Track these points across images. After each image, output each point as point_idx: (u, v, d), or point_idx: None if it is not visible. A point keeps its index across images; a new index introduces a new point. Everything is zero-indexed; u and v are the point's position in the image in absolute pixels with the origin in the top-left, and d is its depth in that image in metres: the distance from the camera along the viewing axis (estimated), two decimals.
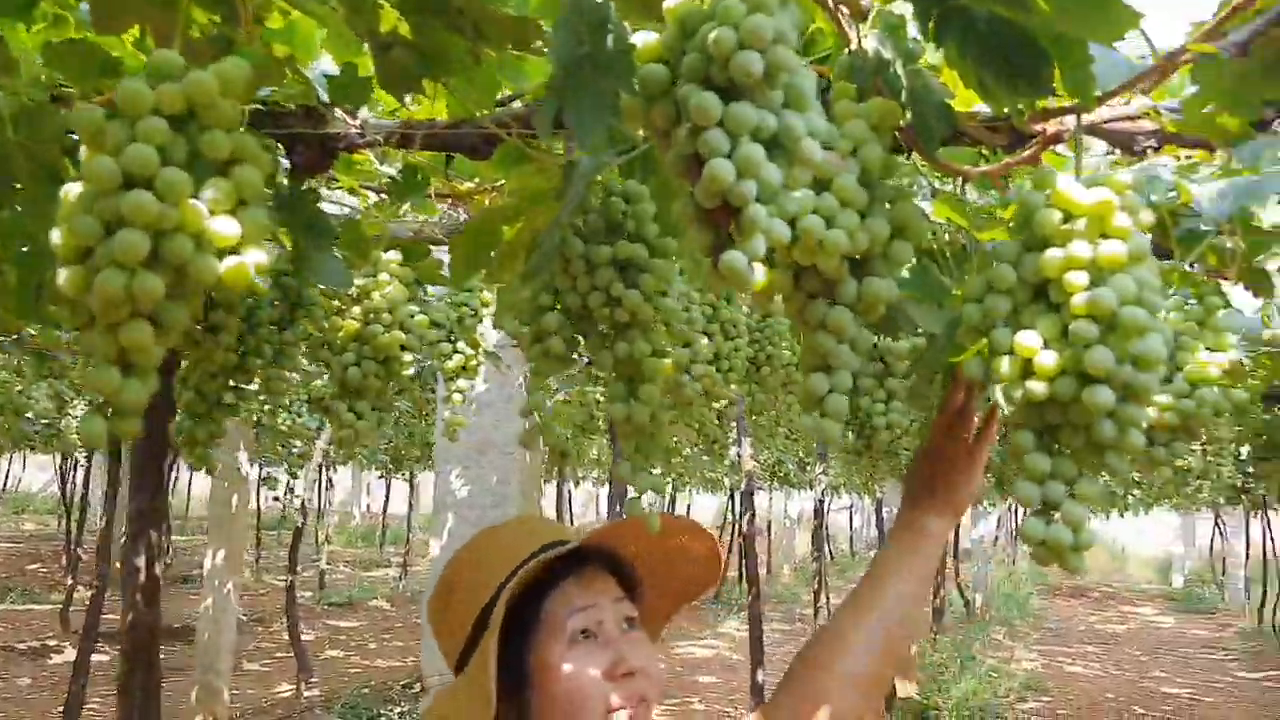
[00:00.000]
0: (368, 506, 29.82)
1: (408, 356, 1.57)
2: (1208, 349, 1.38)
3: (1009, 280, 0.90)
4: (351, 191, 1.71)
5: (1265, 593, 13.50)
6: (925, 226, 0.96)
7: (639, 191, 1.09)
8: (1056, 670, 11.58)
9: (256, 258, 0.74)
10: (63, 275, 0.69)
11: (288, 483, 11.58)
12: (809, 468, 10.98)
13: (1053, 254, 0.86)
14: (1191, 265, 1.64)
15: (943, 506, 1.28)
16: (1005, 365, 0.88)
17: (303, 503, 7.69)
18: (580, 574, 1.22)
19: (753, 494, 5.53)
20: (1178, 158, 1.56)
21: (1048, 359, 0.86)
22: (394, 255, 1.59)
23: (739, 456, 5.40)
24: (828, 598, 9.66)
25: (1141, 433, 0.86)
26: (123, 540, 2.11)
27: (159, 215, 0.69)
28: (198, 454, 1.63)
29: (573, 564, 1.22)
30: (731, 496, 15.49)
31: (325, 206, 1.45)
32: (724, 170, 0.70)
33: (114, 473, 5.55)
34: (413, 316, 1.55)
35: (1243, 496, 10.96)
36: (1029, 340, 0.87)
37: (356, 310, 1.57)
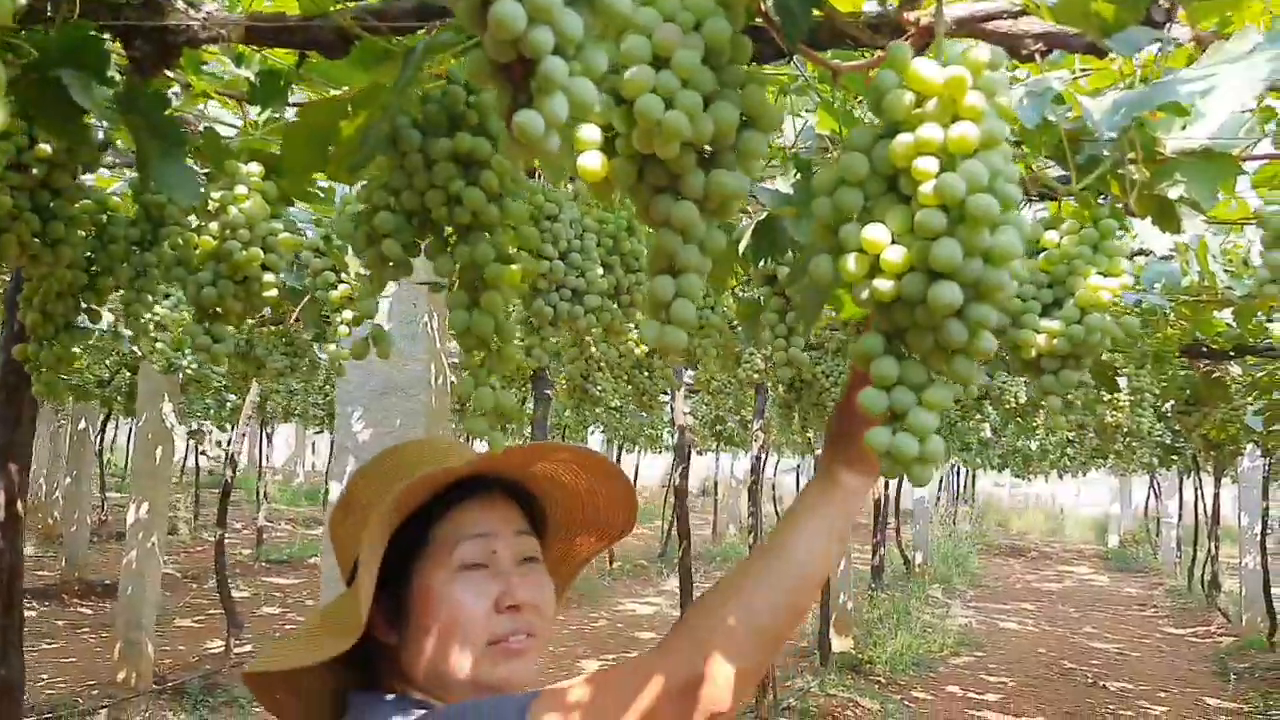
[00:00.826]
0: (312, 465, 29.49)
1: (269, 277, 1.47)
2: (1100, 274, 1.33)
3: (860, 171, 0.83)
4: (201, 98, 1.59)
5: (1195, 553, 13.84)
6: (778, 117, 0.88)
7: None
8: (991, 626, 11.80)
9: None
10: None
11: (229, 439, 11.35)
12: (751, 426, 11.00)
13: (902, 139, 0.79)
14: (1100, 197, 1.59)
15: (859, 461, 1.17)
16: (852, 263, 0.82)
17: (231, 456, 7.51)
18: (482, 501, 1.16)
19: (687, 449, 5.49)
20: (1074, 71, 1.51)
21: (894, 254, 0.79)
22: (255, 167, 1.49)
23: (672, 411, 5.35)
24: None
25: (992, 334, 0.80)
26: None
27: None
28: (44, 380, 1.52)
29: (476, 490, 1.16)
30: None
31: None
32: (512, 14, 0.62)
33: None
34: (275, 234, 1.45)
35: (1174, 458, 11.19)
36: (876, 234, 0.80)
37: (214, 226, 1.47)
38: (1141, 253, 2.96)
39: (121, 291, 1.60)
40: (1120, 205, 1.59)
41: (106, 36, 1.34)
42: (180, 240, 1.53)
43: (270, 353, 2.93)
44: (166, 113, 1.39)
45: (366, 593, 1.04)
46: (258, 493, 14.16)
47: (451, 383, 2.63)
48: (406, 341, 2.56)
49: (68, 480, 10.86)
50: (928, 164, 0.77)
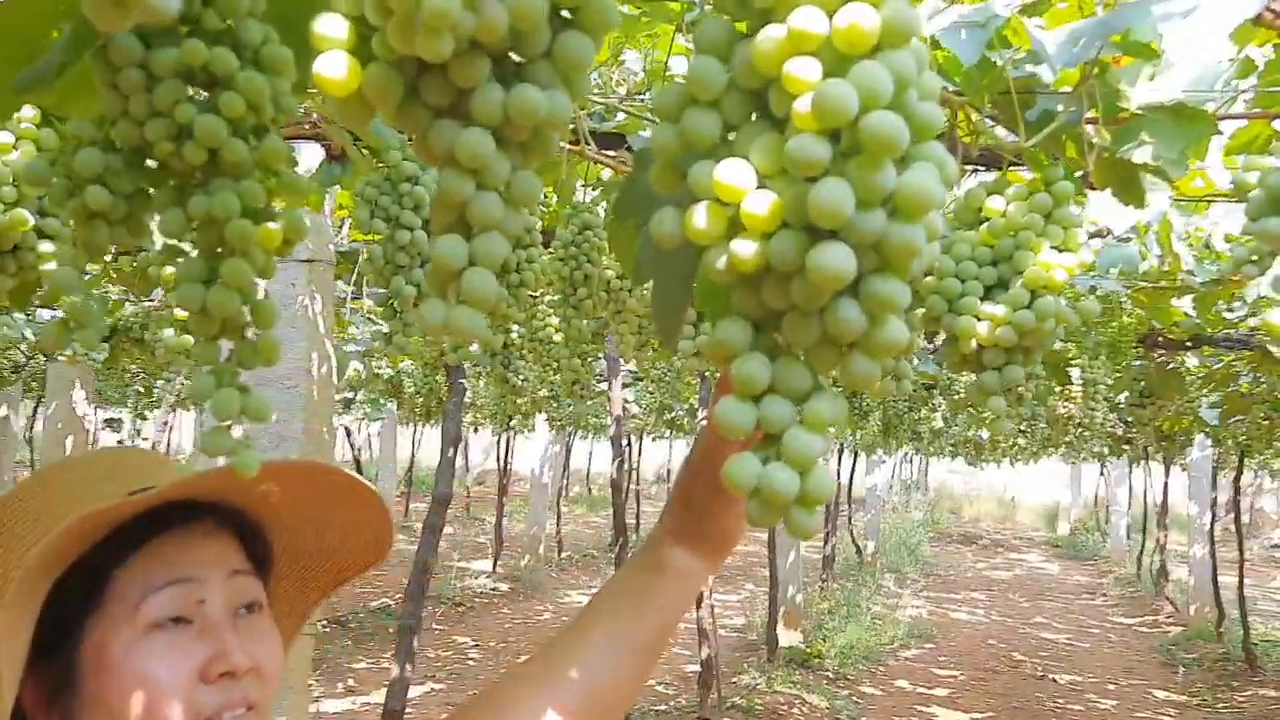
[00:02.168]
0: None
1: (47, 247, 1.19)
2: (1054, 248, 1.09)
3: (714, 84, 0.57)
4: None
5: (1144, 541, 13.85)
6: (612, 12, 0.62)
7: None
8: (942, 616, 11.71)
9: None
10: None
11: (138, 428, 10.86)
12: (698, 413, 10.78)
13: (770, 34, 0.53)
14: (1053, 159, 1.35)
15: (694, 531, 0.88)
16: (702, 218, 0.56)
17: (151, 447, 7.14)
18: (183, 535, 0.87)
19: (625, 440, 5.24)
20: None
21: (759, 203, 0.53)
22: (30, 112, 1.20)
23: (610, 399, 5.09)
24: None
25: (902, 319, 0.55)
26: None
27: None
28: None
29: (175, 521, 0.88)
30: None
31: None
32: None
33: None
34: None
35: (1125, 447, 11.15)
36: (733, 175, 0.54)
37: None
38: (1098, 235, 2.74)
39: None
40: (1079, 175, 1.36)
41: None
42: None
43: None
44: None
45: (13, 668, 0.76)
46: None
47: (335, 371, 2.35)
48: (285, 325, 2.27)
49: None
50: (804, 69, 0.52)
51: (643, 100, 1.88)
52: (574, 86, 0.64)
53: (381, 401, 10.41)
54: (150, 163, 0.77)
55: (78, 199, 0.74)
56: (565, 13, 0.63)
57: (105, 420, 10.39)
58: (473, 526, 17.26)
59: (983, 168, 1.60)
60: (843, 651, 8.79)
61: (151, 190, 0.77)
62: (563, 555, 14.03)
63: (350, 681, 7.46)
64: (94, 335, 0.70)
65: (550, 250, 2.10)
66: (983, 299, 1.09)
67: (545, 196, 2.67)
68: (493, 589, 11.55)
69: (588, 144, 1.76)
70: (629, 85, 1.70)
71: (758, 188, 0.55)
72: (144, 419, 10.20)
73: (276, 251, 0.76)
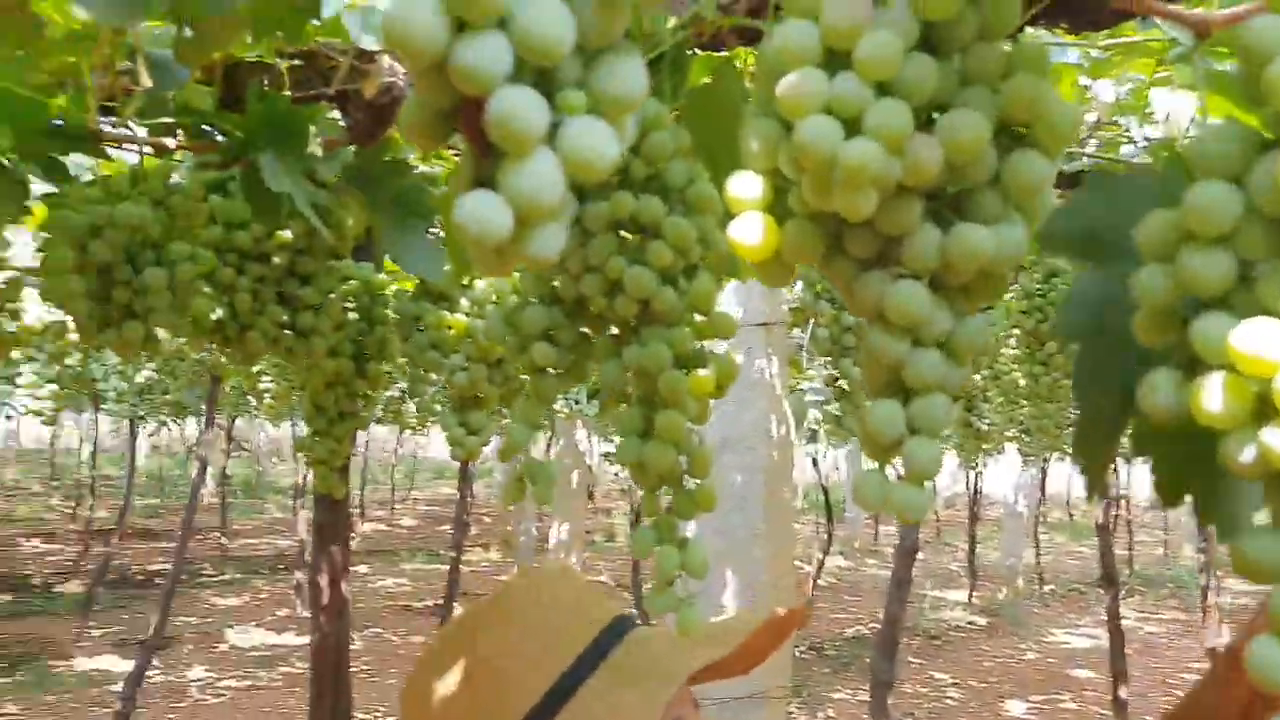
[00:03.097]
0: None
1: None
2: None
3: (1227, 215, 0.43)
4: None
5: None
6: (1074, 119, 0.51)
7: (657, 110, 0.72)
8: None
9: None
10: None
11: None
12: None
13: None
14: None
15: None
16: (1217, 396, 0.43)
17: None
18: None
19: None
20: None
21: None
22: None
23: None
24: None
25: None
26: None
27: None
28: (321, 476, 1.45)
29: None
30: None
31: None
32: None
33: None
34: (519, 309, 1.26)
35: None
36: (1260, 342, 0.40)
37: (465, 303, 1.31)
38: None
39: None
40: None
41: (330, 109, 1.23)
42: (432, 319, 1.39)
43: None
44: (406, 181, 1.25)
45: None
46: None
47: (793, 429, 2.33)
48: (743, 389, 2.31)
49: None
50: None
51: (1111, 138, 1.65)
52: (1029, 212, 0.53)
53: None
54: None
55: (527, 355, 0.76)
56: (1012, 128, 0.53)
57: (603, 454, 11.52)
58: (944, 553, 16.70)
59: None
60: None
61: (593, 338, 0.77)
62: (1045, 588, 13.07)
63: (830, 711, 7.48)
64: (548, 490, 0.71)
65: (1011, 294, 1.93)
66: None
67: None
68: (969, 622, 11.04)
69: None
70: (1100, 114, 1.49)
71: None
72: None
73: (710, 396, 0.73)
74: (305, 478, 9.26)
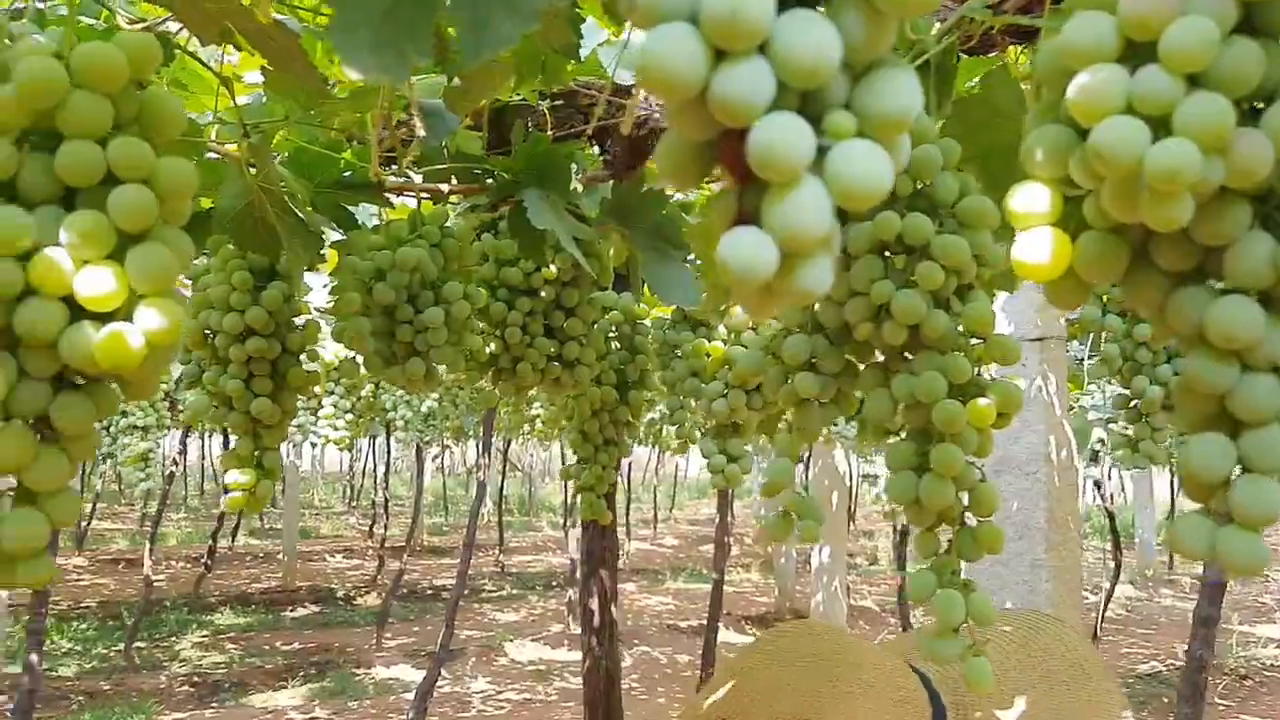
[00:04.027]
0: None
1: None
2: None
3: None
4: None
5: None
6: None
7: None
8: None
9: (155, 321, 0.51)
10: None
11: None
12: None
13: None
14: None
15: None
16: None
17: None
18: None
19: None
20: None
21: None
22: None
23: None
24: None
25: None
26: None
27: None
28: (588, 503, 1.48)
29: None
30: None
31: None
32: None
33: None
34: (776, 336, 1.23)
35: None
36: None
37: (721, 330, 1.30)
38: None
39: None
40: None
41: (586, 146, 1.25)
42: (690, 347, 1.39)
43: None
44: (663, 211, 1.26)
45: None
46: None
47: (1074, 451, 2.16)
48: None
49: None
50: None
51: None
52: None
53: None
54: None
55: (788, 386, 0.73)
56: None
57: (863, 475, 11.25)
58: (1253, 583, 15.04)
59: None
60: None
61: (859, 365, 0.74)
62: None
63: None
64: (815, 528, 0.68)
65: None
66: None
67: None
68: None
69: None
70: None
71: None
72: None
73: (992, 426, 0.67)
74: (575, 497, 9.64)
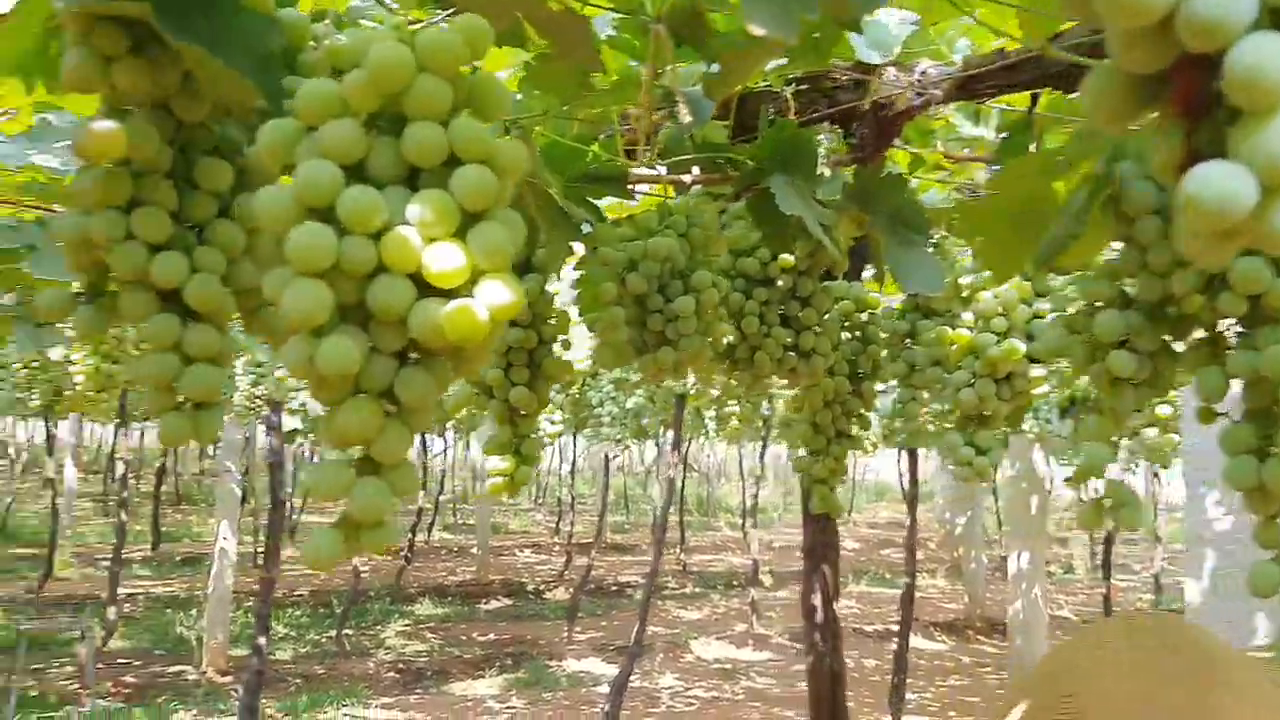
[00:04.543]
0: None
1: (1035, 372, 1.20)
2: None
3: None
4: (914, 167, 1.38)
5: None
6: None
7: None
8: None
9: (498, 296, 0.52)
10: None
11: None
12: None
13: None
14: None
15: None
16: None
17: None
18: None
19: None
20: None
21: None
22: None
23: None
24: None
25: None
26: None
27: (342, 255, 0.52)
28: (820, 495, 1.45)
29: None
30: None
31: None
32: None
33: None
34: (1029, 321, 1.17)
35: None
36: None
37: (967, 317, 1.25)
38: None
39: None
40: None
41: (825, 132, 1.23)
42: (932, 335, 1.34)
43: None
44: (904, 196, 1.23)
45: None
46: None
47: None
48: None
49: (962, 519, 11.44)
50: None
51: None
52: None
53: None
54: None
55: (1099, 364, 0.69)
56: None
57: (1064, 479, 10.68)
58: None
59: None
60: None
61: (1176, 345, 0.69)
62: None
63: None
64: (1136, 514, 0.64)
65: None
66: None
67: None
68: None
69: None
70: None
71: None
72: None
73: None
74: (755, 496, 9.58)
